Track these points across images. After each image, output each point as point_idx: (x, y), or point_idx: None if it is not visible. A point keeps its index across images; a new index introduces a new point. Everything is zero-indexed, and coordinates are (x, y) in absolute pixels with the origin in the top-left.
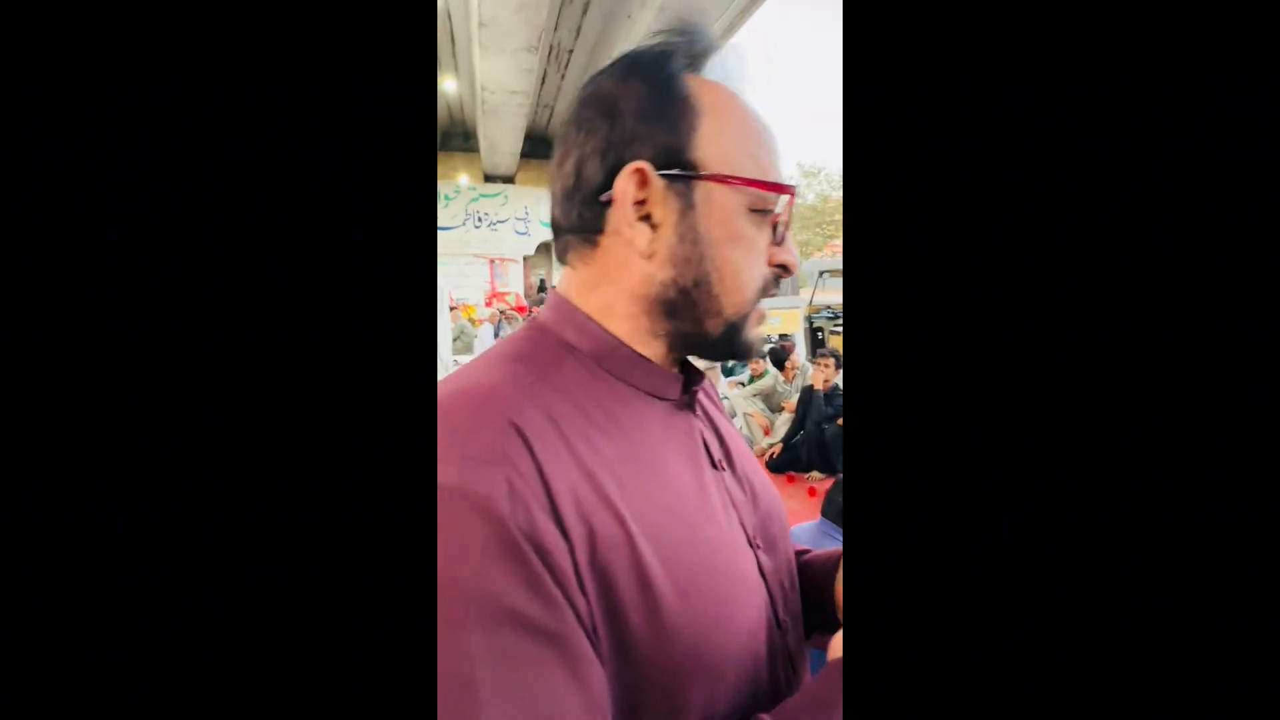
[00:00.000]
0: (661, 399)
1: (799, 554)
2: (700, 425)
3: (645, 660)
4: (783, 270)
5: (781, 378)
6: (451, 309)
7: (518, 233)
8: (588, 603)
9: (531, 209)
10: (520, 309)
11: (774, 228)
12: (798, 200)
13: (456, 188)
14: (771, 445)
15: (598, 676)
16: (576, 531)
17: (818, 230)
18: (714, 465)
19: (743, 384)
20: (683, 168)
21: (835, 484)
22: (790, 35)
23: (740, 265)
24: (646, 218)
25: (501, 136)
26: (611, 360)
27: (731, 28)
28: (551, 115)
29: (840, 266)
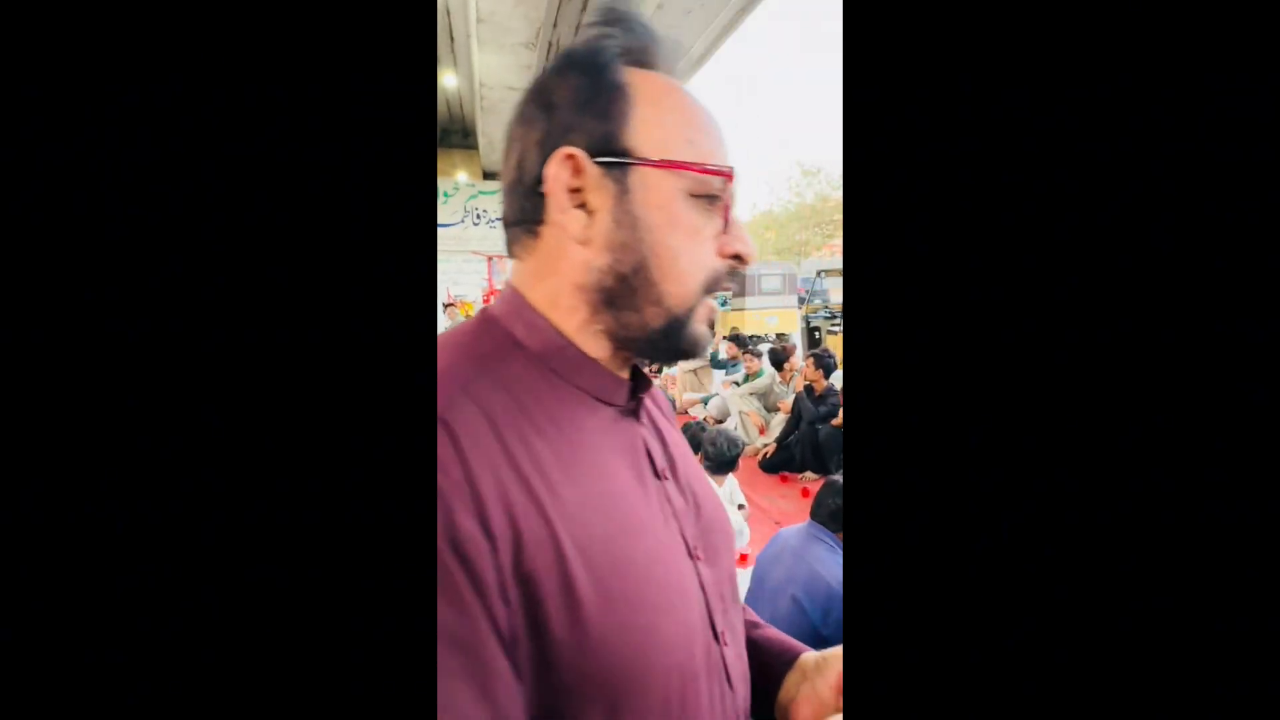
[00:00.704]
0: (608, 404)
1: (751, 625)
2: (645, 433)
3: (568, 670)
4: (736, 260)
5: (778, 378)
6: (449, 306)
7: None
8: (509, 611)
9: None
10: None
11: (725, 217)
12: (796, 199)
13: (455, 184)
14: (766, 445)
15: (507, 692)
16: (502, 534)
17: (817, 230)
18: (656, 474)
19: (737, 383)
20: (616, 154)
21: (825, 486)
22: (789, 35)
23: (680, 252)
24: (582, 205)
25: (500, 133)
26: (559, 360)
27: (731, 25)
28: None
29: (839, 266)
